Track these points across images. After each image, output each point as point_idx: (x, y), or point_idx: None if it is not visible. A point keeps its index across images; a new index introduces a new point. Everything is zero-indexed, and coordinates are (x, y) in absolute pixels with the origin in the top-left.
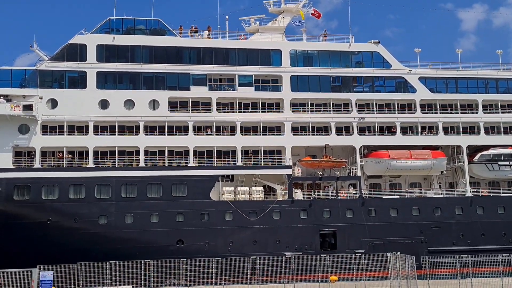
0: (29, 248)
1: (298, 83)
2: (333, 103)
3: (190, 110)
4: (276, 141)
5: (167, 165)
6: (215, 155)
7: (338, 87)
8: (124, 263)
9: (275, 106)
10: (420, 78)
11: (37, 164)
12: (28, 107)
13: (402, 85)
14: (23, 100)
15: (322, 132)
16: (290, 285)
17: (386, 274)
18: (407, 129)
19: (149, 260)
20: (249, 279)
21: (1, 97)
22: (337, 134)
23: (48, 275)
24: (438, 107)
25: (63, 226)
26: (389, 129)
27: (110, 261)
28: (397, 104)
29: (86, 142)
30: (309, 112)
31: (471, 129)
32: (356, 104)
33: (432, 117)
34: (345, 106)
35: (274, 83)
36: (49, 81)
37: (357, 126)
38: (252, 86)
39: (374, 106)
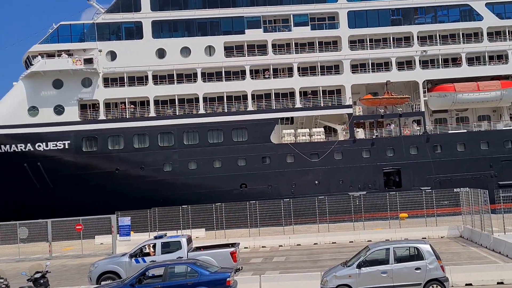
0: (99, 197)
1: (356, 18)
2: (393, 38)
3: (246, 54)
4: (335, 80)
5: (226, 111)
6: (273, 98)
7: (398, 20)
8: (196, 207)
9: (333, 44)
10: (487, 4)
11: (102, 116)
12: (89, 61)
13: (467, 13)
14: (84, 54)
15: (382, 68)
16: (359, 224)
17: (457, 210)
18: (473, 60)
19: (220, 204)
20: (318, 219)
21: (63, 53)
22: (398, 69)
23: (126, 220)
24: (507, 34)
25: (131, 175)
26: (454, 61)
27: (183, 206)
28: (462, 34)
29: (146, 92)
30: (368, 48)
31: None
32: (418, 37)
33: (500, 46)
34: (406, 40)
35: (330, 21)
36: (107, 34)
37: (419, 60)
38: (308, 25)
39: (438, 38)
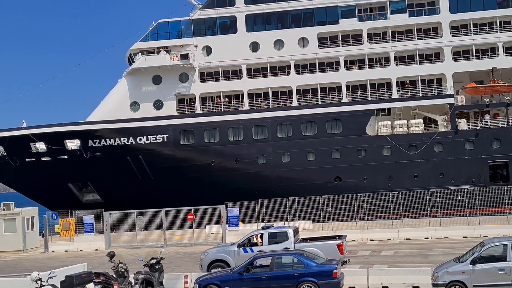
0: (196, 189)
1: (458, 3)
2: (500, 21)
3: (340, 44)
4: (435, 68)
5: (320, 103)
6: (369, 88)
7: (506, 2)
8: (302, 199)
9: (432, 31)
10: None
11: (198, 110)
12: (185, 56)
13: None
14: (181, 50)
15: (488, 54)
16: (474, 218)
17: None
18: None
19: (326, 196)
20: (429, 213)
21: (162, 49)
22: (506, 55)
23: (235, 211)
24: None
25: (226, 167)
26: None
27: (289, 197)
28: None
29: (240, 86)
30: (472, 34)
31: None
32: None
33: None
34: None
35: (430, 6)
36: (202, 29)
37: None
38: (406, 12)
39: None
